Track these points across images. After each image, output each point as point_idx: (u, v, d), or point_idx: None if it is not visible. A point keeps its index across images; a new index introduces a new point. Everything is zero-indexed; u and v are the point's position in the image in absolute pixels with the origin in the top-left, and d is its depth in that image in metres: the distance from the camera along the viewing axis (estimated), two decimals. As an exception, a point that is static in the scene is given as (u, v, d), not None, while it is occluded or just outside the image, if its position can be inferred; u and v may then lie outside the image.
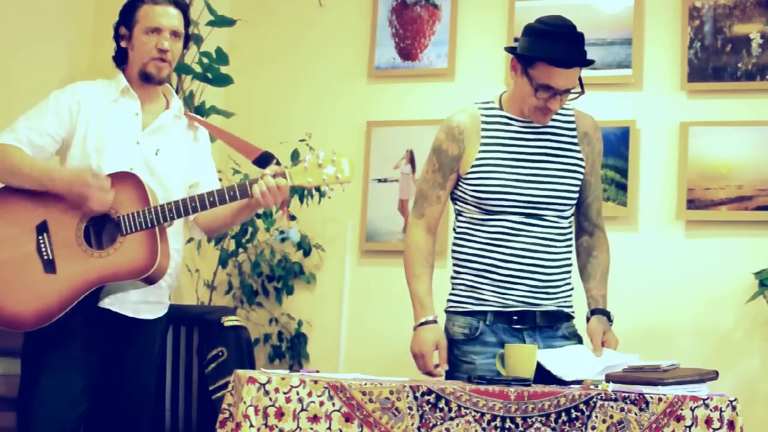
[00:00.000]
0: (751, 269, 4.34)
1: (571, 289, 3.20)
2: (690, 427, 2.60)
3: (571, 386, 2.73)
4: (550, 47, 2.98)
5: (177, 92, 4.90)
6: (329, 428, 2.40)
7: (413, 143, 4.95)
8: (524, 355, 2.84)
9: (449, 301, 3.23)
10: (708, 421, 2.61)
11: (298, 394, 2.39)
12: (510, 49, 3.12)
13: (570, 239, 3.19)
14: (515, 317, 3.09)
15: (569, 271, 3.19)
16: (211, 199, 3.04)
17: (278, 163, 3.09)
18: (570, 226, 3.19)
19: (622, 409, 2.59)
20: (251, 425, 2.35)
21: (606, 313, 3.12)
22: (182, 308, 4.49)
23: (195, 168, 3.33)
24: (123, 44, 3.27)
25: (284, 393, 2.38)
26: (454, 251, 3.22)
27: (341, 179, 3.01)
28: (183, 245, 3.38)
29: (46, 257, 3.02)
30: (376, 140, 5.02)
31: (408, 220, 3.19)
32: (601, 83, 4.60)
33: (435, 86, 4.98)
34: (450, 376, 3.11)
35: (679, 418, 2.61)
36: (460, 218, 3.20)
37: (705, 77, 4.56)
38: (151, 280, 3.05)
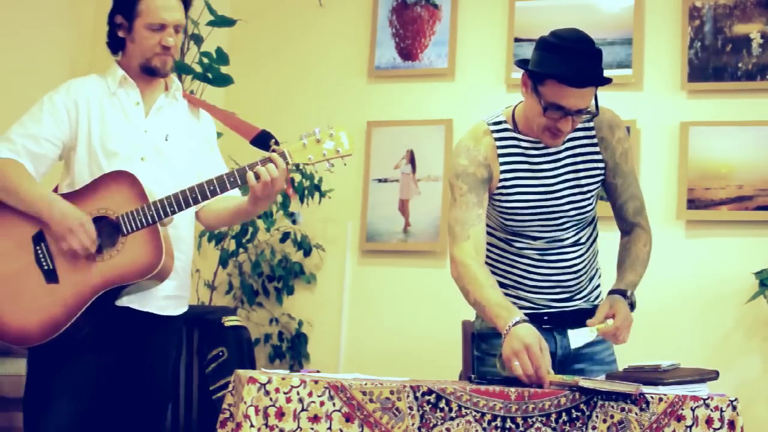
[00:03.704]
0: (751, 269, 4.34)
1: (599, 277, 3.14)
2: (690, 427, 2.60)
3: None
4: (563, 64, 2.75)
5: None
6: (330, 428, 2.40)
7: (413, 143, 4.96)
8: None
9: None
10: (708, 421, 2.61)
11: (298, 394, 2.39)
12: (521, 64, 2.88)
13: (595, 234, 3.11)
14: (545, 317, 3.04)
15: (596, 267, 3.13)
16: (212, 187, 2.92)
17: (277, 143, 2.99)
18: (594, 221, 3.10)
19: (623, 409, 2.58)
20: (252, 425, 2.35)
21: (619, 291, 2.96)
22: (182, 308, 4.50)
23: (200, 153, 3.19)
24: (121, 34, 3.09)
25: (285, 393, 2.38)
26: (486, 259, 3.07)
27: (342, 153, 2.93)
28: (193, 232, 3.23)
29: (46, 267, 2.91)
30: (376, 140, 5.02)
31: (451, 251, 2.92)
32: (601, 83, 4.61)
33: (435, 86, 4.98)
34: (477, 369, 3.07)
35: (680, 418, 2.60)
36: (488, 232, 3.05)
37: (705, 77, 4.56)
38: (160, 277, 2.94)
